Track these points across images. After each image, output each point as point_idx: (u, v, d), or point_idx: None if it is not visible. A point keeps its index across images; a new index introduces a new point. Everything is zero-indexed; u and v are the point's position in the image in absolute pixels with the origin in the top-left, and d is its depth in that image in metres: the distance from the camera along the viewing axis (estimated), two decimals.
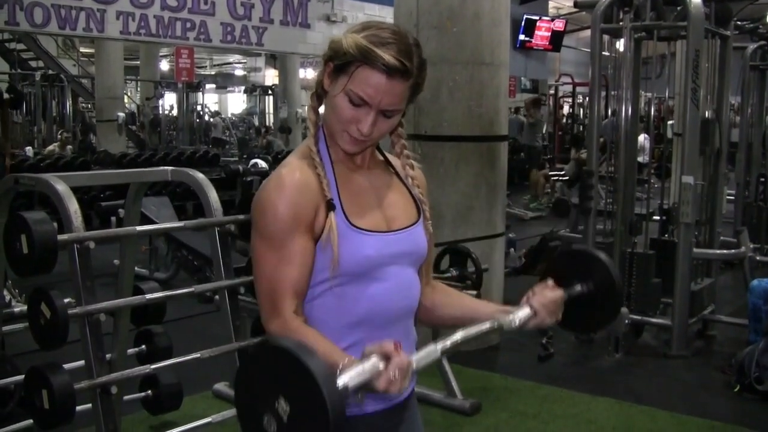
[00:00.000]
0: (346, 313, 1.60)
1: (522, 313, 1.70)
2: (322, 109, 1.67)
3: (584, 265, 1.85)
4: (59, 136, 14.07)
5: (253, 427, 1.29)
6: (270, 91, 22.74)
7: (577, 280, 1.82)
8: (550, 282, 1.75)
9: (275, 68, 25.11)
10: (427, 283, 1.82)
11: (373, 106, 1.56)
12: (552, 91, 18.44)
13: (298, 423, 1.24)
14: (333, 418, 1.20)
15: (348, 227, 1.59)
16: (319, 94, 1.66)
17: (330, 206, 1.57)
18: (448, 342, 1.54)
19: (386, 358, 1.35)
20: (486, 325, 1.66)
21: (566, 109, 20.70)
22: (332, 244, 1.55)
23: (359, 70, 1.54)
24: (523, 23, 15.34)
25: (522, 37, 15.61)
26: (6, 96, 8.45)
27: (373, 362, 1.35)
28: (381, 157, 1.76)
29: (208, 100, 25.01)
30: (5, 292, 4.81)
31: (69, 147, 14.07)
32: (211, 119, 22.31)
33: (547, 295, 1.71)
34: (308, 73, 25.61)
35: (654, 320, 5.67)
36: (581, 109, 19.88)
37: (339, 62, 1.57)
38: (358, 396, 1.38)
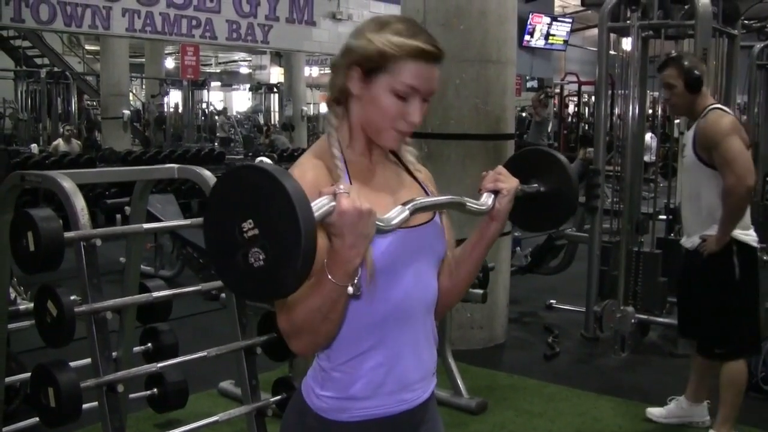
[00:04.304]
0: (364, 313, 1.57)
1: (486, 197, 1.73)
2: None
3: (541, 165, 1.88)
4: (62, 131, 14.03)
5: (234, 266, 1.28)
6: (275, 89, 22.76)
7: (535, 178, 1.86)
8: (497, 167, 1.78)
9: (280, 66, 25.13)
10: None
11: (421, 94, 1.59)
12: (557, 90, 18.40)
13: (273, 238, 1.24)
14: (301, 213, 1.21)
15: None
16: (342, 97, 1.65)
17: None
18: (416, 202, 1.53)
19: (333, 195, 1.35)
20: (449, 197, 1.67)
21: (571, 108, 20.68)
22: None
23: (402, 64, 1.56)
24: (528, 22, 15.34)
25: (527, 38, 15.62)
26: None
27: (325, 198, 1.34)
28: (393, 157, 1.75)
29: (213, 97, 25.01)
30: (10, 290, 4.81)
31: (77, 142, 13.99)
32: (216, 117, 22.29)
33: (490, 173, 1.75)
34: (313, 71, 25.57)
35: (660, 319, 5.66)
36: (587, 108, 19.85)
37: (373, 64, 1.57)
38: (355, 283, 1.40)
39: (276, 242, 1.24)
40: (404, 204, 1.50)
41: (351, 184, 1.58)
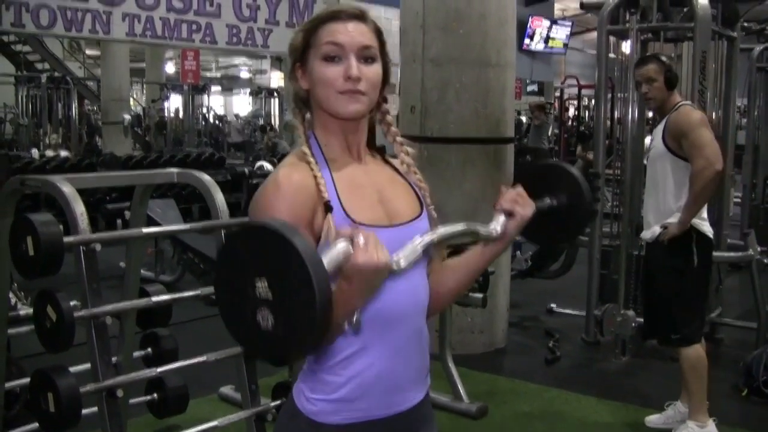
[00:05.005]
0: None
1: (499, 220, 1.72)
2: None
3: (553, 179, 1.87)
4: (48, 141, 13.99)
5: (243, 323, 1.28)
6: (275, 94, 22.74)
7: (547, 193, 1.84)
8: (517, 187, 1.76)
9: (281, 70, 25.12)
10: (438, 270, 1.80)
11: (347, 49, 1.58)
12: (557, 93, 18.40)
13: (285, 304, 1.23)
14: (318, 291, 1.19)
15: (348, 224, 1.53)
16: (300, 104, 1.68)
17: (328, 208, 1.54)
18: (427, 238, 1.50)
19: (351, 239, 1.34)
20: (462, 227, 1.66)
21: (572, 111, 20.68)
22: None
23: (319, 31, 1.60)
24: (528, 25, 15.32)
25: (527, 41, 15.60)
26: None
27: (342, 244, 1.33)
28: (378, 155, 1.75)
29: (214, 102, 25.02)
30: (10, 295, 4.81)
31: (65, 152, 13.90)
32: (229, 120, 22.24)
33: (511, 192, 1.74)
34: None
35: None
36: (587, 112, 19.86)
37: (300, 51, 1.63)
38: (354, 321, 1.40)
39: (289, 311, 1.24)
40: (414, 241, 1.48)
41: (332, 178, 1.59)
